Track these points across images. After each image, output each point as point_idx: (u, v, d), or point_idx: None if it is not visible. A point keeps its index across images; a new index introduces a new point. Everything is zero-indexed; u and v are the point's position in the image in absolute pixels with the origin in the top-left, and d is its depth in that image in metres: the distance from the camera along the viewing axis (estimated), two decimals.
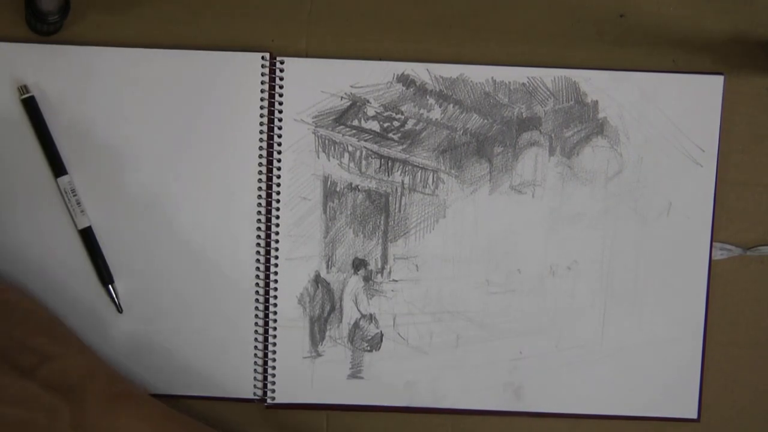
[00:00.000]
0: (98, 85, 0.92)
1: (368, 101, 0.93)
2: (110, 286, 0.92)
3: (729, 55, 0.96)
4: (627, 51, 0.95)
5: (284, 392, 0.95)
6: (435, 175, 0.94)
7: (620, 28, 0.95)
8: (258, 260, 0.93)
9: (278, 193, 0.93)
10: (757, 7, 0.96)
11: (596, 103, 0.94)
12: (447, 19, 0.94)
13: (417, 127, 0.94)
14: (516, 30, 0.95)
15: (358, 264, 0.94)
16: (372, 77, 0.93)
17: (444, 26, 0.94)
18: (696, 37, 0.95)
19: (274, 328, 0.94)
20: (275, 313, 0.94)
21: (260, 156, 0.93)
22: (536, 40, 0.95)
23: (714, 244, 0.95)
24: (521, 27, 0.95)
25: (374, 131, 0.93)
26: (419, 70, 0.93)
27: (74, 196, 0.92)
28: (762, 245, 0.96)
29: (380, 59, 0.94)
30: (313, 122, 0.93)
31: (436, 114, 0.94)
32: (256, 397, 0.94)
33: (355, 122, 0.93)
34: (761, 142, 0.96)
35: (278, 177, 0.93)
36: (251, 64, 0.92)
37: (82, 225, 0.92)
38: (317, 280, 0.94)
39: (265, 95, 0.93)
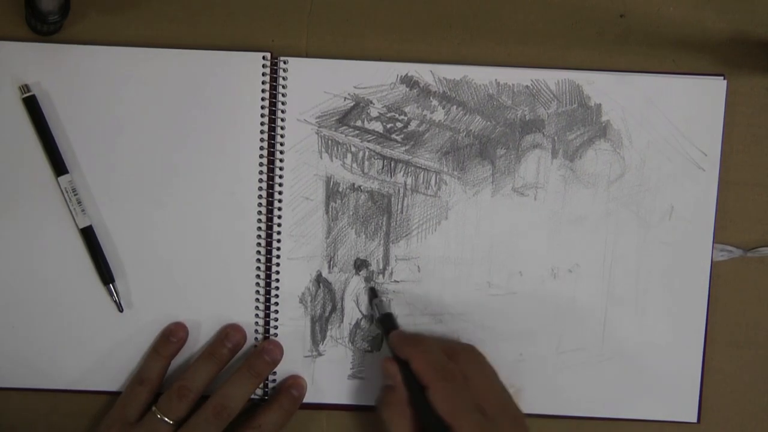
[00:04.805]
0: (99, 85, 0.92)
1: (371, 102, 0.93)
2: (111, 286, 0.92)
3: (729, 55, 0.96)
4: (627, 51, 0.95)
5: None
6: (437, 177, 0.94)
7: (620, 28, 0.95)
8: (259, 260, 0.93)
9: (280, 192, 0.93)
10: (757, 7, 0.96)
11: (599, 106, 0.94)
12: (446, 19, 0.94)
13: (420, 129, 0.93)
14: (516, 30, 0.94)
15: (360, 264, 0.94)
16: (375, 78, 0.93)
17: (443, 26, 0.94)
18: (696, 37, 0.96)
19: (276, 327, 0.94)
20: (276, 312, 0.94)
21: (261, 156, 0.92)
22: (536, 40, 0.95)
23: (714, 245, 0.95)
24: (521, 27, 0.95)
25: (377, 132, 0.93)
26: (423, 72, 0.93)
27: (75, 195, 0.91)
28: (762, 246, 0.96)
29: (380, 59, 0.93)
30: (316, 122, 0.93)
31: (439, 115, 0.93)
32: (257, 397, 0.94)
33: (359, 123, 0.93)
34: (761, 143, 0.96)
35: (280, 177, 0.93)
36: (252, 64, 0.92)
37: (83, 224, 0.92)
38: (319, 279, 0.94)
39: (266, 95, 0.92)
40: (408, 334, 0.92)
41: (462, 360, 0.88)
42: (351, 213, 0.94)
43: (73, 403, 0.94)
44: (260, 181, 0.93)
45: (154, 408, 0.89)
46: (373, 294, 0.94)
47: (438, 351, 0.88)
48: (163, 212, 0.93)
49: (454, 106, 0.93)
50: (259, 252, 0.93)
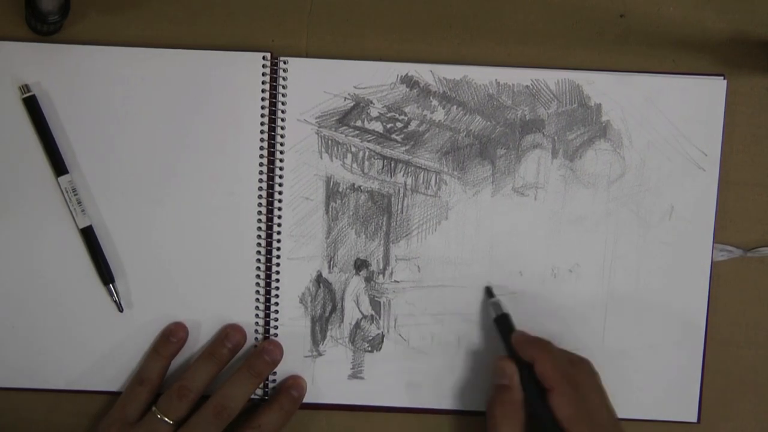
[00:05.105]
0: (99, 85, 0.92)
1: (372, 102, 0.93)
2: (111, 286, 0.92)
3: (729, 55, 0.96)
4: (627, 51, 0.95)
5: None
6: (438, 177, 0.94)
7: (620, 28, 0.95)
8: (259, 260, 0.93)
9: (280, 193, 0.93)
10: (757, 7, 0.96)
11: (599, 106, 0.94)
12: (446, 19, 0.94)
13: (420, 129, 0.93)
14: (516, 30, 0.94)
15: (360, 264, 0.94)
16: (375, 78, 0.93)
17: (443, 26, 0.94)
18: (696, 37, 0.96)
19: (276, 327, 0.94)
20: (276, 312, 0.94)
21: (261, 156, 0.92)
22: (536, 40, 0.95)
23: (714, 245, 0.95)
24: (521, 27, 0.95)
25: (377, 132, 0.93)
26: (423, 72, 0.93)
27: (75, 195, 0.91)
28: (762, 246, 0.96)
29: (380, 59, 0.93)
30: (316, 122, 0.93)
31: (439, 115, 0.93)
32: (257, 397, 0.94)
33: (359, 123, 0.93)
34: (761, 143, 0.96)
35: (281, 177, 0.93)
36: (252, 64, 0.92)
37: (83, 224, 0.92)
38: (319, 280, 0.94)
39: (266, 95, 0.92)
40: (532, 336, 0.92)
41: (580, 371, 0.89)
42: (351, 213, 0.94)
43: (73, 403, 0.94)
44: (260, 181, 0.93)
45: (154, 408, 0.89)
46: (489, 294, 0.94)
47: (562, 357, 0.89)
48: (163, 212, 0.93)
49: (454, 106, 0.93)
50: (259, 252, 0.93)
